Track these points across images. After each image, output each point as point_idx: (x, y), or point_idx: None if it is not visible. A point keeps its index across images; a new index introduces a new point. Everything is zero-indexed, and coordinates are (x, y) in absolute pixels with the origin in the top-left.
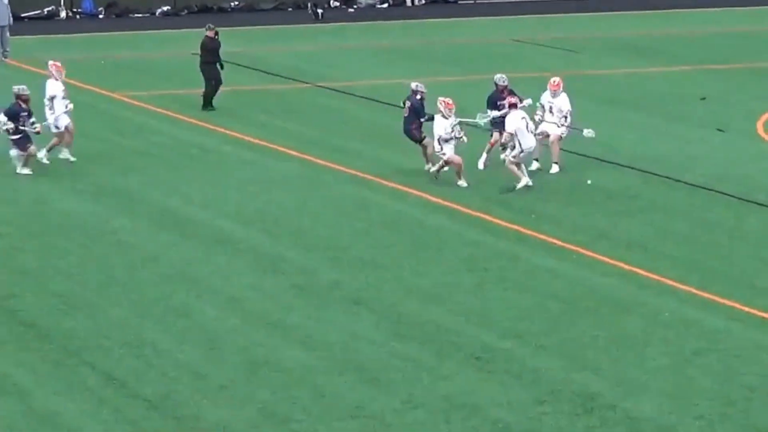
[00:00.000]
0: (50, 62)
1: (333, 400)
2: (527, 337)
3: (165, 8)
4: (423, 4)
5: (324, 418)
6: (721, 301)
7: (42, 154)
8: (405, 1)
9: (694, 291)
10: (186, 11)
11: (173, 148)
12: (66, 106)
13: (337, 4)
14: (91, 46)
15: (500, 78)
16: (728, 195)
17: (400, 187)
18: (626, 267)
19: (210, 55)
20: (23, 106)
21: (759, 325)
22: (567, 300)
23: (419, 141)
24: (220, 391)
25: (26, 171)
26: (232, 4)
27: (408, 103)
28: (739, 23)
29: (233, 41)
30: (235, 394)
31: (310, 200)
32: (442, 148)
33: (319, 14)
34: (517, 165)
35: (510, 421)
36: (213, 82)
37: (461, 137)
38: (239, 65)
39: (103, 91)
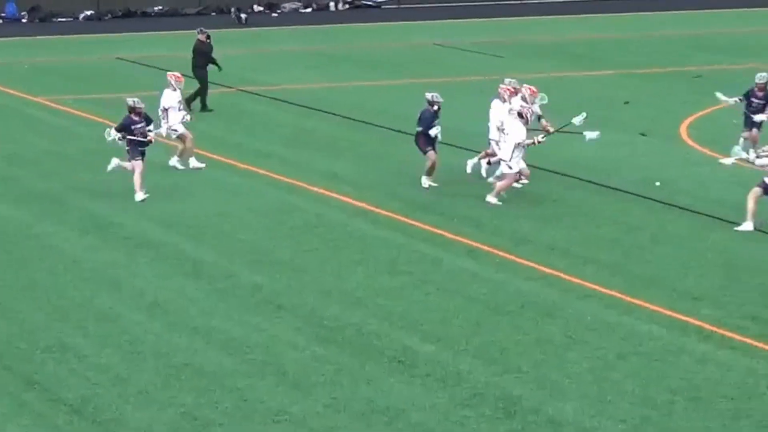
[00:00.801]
0: (169, 73)
1: (255, 404)
2: (449, 340)
3: (88, 12)
4: (346, 9)
5: (246, 422)
6: (644, 304)
7: (174, 161)
8: (328, 6)
9: (617, 295)
10: (109, 15)
11: (96, 153)
12: (183, 117)
13: (261, 8)
14: (13, 50)
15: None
16: (651, 199)
17: (322, 191)
18: (549, 271)
19: (202, 59)
20: (136, 118)
21: (681, 329)
22: (489, 304)
23: (423, 152)
24: (141, 396)
25: (141, 196)
26: (156, 8)
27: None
28: (663, 27)
29: (156, 46)
30: (157, 398)
31: (233, 204)
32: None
33: (243, 19)
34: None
35: (432, 425)
36: (204, 85)
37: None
38: (163, 69)
39: (26, 95)
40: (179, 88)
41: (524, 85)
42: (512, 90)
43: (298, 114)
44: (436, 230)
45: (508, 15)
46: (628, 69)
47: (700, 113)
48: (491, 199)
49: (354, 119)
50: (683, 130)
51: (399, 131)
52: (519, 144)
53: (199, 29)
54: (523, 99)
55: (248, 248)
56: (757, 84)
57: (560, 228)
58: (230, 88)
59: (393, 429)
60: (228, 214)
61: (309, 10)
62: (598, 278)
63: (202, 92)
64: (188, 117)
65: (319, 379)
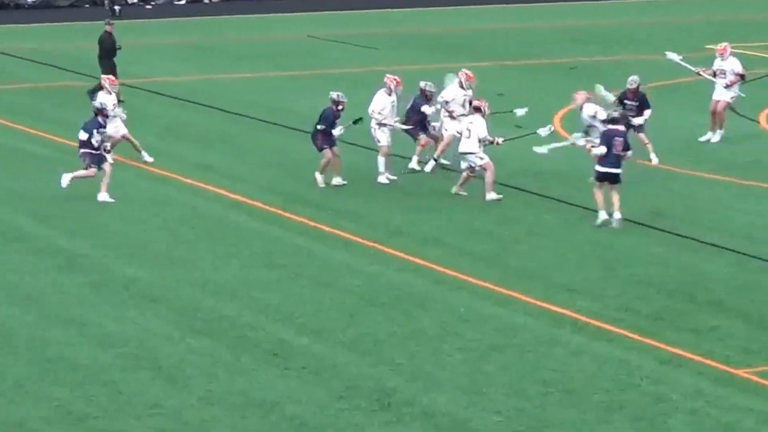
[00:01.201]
0: (103, 77)
1: (130, 397)
2: (324, 333)
3: None
4: (220, 1)
5: (121, 415)
6: (519, 296)
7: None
8: None
9: (491, 286)
10: None
11: None
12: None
13: (135, 1)
14: None
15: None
16: (527, 191)
17: (198, 183)
18: (423, 263)
19: (108, 50)
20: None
21: (555, 321)
22: (363, 295)
23: (319, 149)
24: (15, 389)
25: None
26: (29, 0)
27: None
28: (537, 19)
29: (30, 38)
30: (31, 391)
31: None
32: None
33: (116, 11)
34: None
35: (307, 418)
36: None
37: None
38: (35, 62)
39: None
40: (114, 92)
41: (462, 70)
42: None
43: (172, 106)
44: (310, 223)
45: (383, 6)
46: (504, 60)
47: (572, 105)
48: (491, 195)
49: (228, 111)
50: (557, 121)
51: (273, 123)
52: (482, 139)
53: (106, 20)
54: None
55: (122, 241)
56: (628, 88)
57: (434, 220)
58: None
59: (268, 422)
60: (103, 206)
61: (183, 2)
62: (473, 270)
63: None
64: (123, 115)
65: (194, 372)
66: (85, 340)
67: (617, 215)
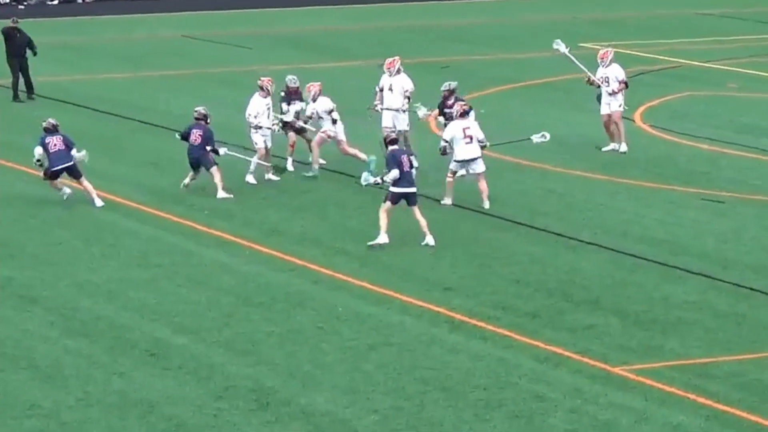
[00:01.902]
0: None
1: (7, 398)
2: (201, 332)
3: None
4: (94, 1)
5: None
6: (395, 295)
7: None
8: None
9: (368, 285)
10: None
11: None
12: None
13: (7, 0)
14: None
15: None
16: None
17: (72, 184)
18: (299, 262)
19: (15, 46)
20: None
21: (432, 319)
22: (240, 295)
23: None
24: None
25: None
26: None
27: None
28: (409, 17)
29: None
30: None
31: None
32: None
33: None
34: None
35: (185, 418)
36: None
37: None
38: None
39: None
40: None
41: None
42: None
43: (47, 107)
44: (186, 222)
45: (257, 6)
46: (374, 59)
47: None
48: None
49: (102, 111)
50: (431, 120)
51: (147, 123)
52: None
53: (12, 18)
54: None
55: None
56: (443, 92)
57: (310, 219)
58: None
59: (146, 422)
60: None
61: (56, 2)
62: (349, 269)
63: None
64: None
65: (72, 372)
66: None
67: (430, 239)
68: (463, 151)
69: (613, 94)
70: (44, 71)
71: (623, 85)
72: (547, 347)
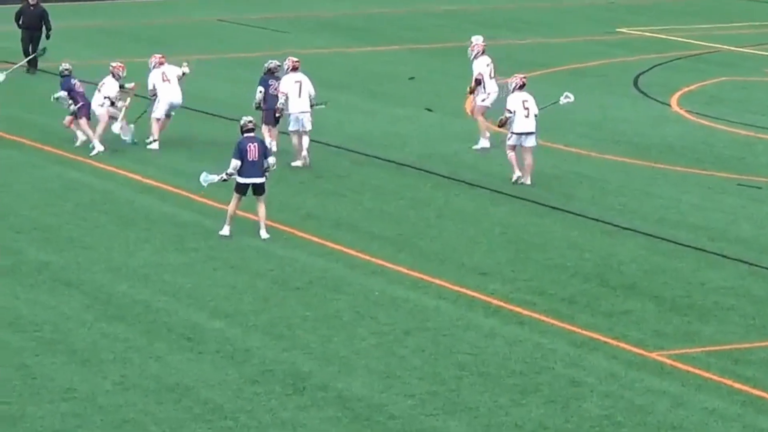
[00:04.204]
0: (113, 64)
1: (44, 381)
2: (238, 316)
3: None
4: None
5: (35, 399)
6: (431, 280)
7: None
8: None
9: (404, 270)
10: None
11: None
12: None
13: None
14: None
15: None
16: (436, 174)
17: (108, 167)
18: (335, 246)
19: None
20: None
21: (468, 304)
22: (276, 279)
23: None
24: None
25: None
26: None
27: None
28: (441, 3)
29: None
30: None
31: (17, 181)
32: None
33: None
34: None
35: (221, 401)
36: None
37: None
38: None
39: None
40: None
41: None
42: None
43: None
44: (223, 206)
45: None
46: (411, 44)
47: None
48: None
49: (138, 95)
50: (468, 104)
51: (184, 108)
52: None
53: None
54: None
55: (33, 225)
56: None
57: (346, 203)
58: (12, 64)
59: (182, 406)
60: (12, 190)
61: None
62: (385, 254)
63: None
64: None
65: (109, 356)
66: None
67: (264, 233)
68: (521, 123)
69: (471, 91)
70: (80, 55)
71: (475, 83)
72: (584, 332)
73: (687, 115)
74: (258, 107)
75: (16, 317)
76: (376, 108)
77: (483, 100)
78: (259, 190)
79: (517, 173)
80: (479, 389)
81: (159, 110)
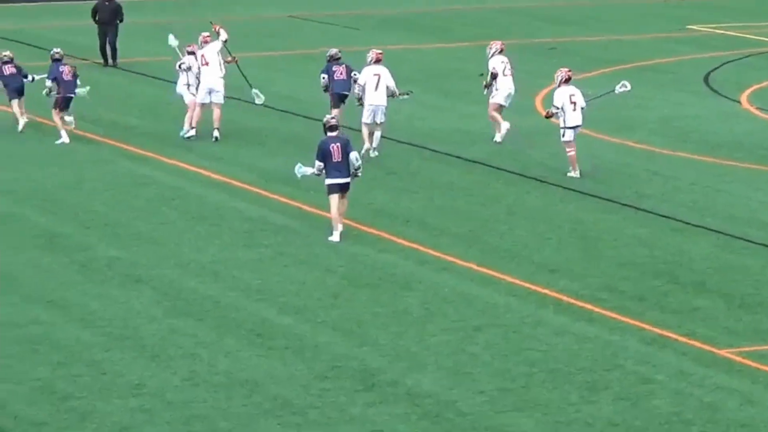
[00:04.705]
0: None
1: (113, 377)
2: (307, 312)
3: None
4: None
5: (104, 394)
6: (502, 276)
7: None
8: None
9: (475, 267)
10: None
11: None
12: None
13: None
14: None
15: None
16: (507, 171)
17: (178, 163)
18: (406, 243)
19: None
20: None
21: (539, 301)
22: (346, 276)
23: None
24: None
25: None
26: None
27: None
28: (514, 1)
29: (12, 18)
30: (14, 371)
31: (88, 177)
32: None
33: None
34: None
35: (290, 397)
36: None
37: None
38: (13, 41)
39: None
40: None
41: None
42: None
43: (151, 86)
44: (292, 202)
45: None
46: (481, 41)
47: (553, 85)
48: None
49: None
50: (538, 102)
51: (250, 103)
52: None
53: None
54: None
55: (104, 221)
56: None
57: (416, 200)
58: (85, 60)
59: (252, 402)
60: (83, 186)
61: None
62: (455, 250)
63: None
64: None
65: (178, 351)
66: (67, 320)
67: (336, 235)
68: (571, 117)
69: (485, 87)
70: (146, 51)
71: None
72: (654, 329)
73: (757, 112)
74: (325, 91)
75: (87, 313)
76: (446, 105)
77: (493, 97)
78: (344, 188)
79: (574, 173)
80: (549, 386)
81: (199, 94)
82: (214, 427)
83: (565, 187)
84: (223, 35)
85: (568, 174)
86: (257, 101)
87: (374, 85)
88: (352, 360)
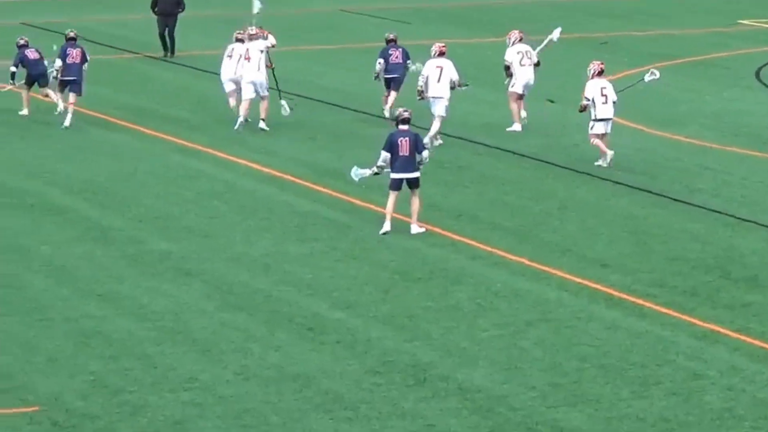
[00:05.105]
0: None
1: (165, 370)
2: (358, 307)
3: None
4: None
5: (156, 388)
6: (553, 271)
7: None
8: None
9: (526, 262)
10: None
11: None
12: None
13: None
14: None
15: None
16: (558, 165)
17: (229, 157)
18: (457, 237)
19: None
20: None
21: (590, 296)
22: (398, 270)
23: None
24: (50, 363)
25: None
26: None
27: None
28: None
29: (61, 11)
30: (66, 365)
31: (139, 170)
32: None
33: None
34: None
35: (342, 392)
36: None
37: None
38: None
39: None
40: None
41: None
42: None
43: (202, 79)
44: (343, 197)
45: None
46: (531, 36)
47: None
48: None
49: None
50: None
51: (303, 97)
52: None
53: None
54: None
55: (155, 214)
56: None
57: (467, 194)
58: (136, 53)
59: (303, 396)
60: (135, 179)
61: None
62: (506, 245)
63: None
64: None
65: (229, 346)
66: (119, 314)
67: (415, 228)
68: (603, 109)
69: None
70: (197, 44)
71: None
72: (705, 325)
73: None
74: (376, 77)
75: (139, 307)
76: (498, 99)
77: (512, 86)
78: (413, 183)
79: (601, 161)
80: (601, 381)
81: (245, 91)
82: (265, 421)
83: (615, 182)
84: (272, 40)
85: (598, 163)
86: (283, 113)
87: (437, 77)
88: (404, 354)
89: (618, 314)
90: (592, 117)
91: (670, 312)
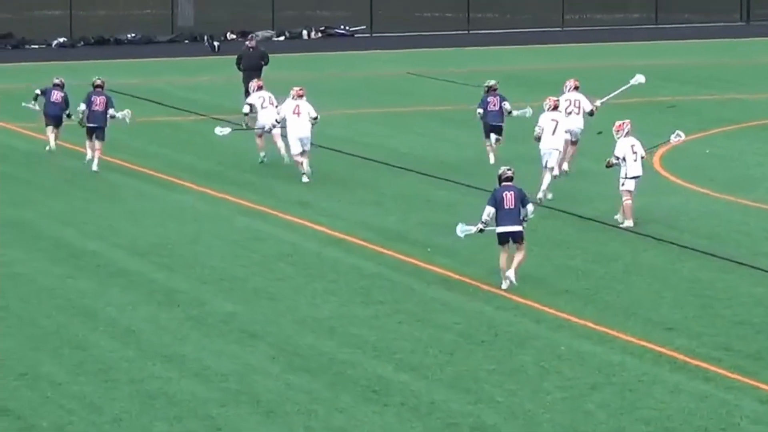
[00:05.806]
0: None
1: (229, 431)
2: (423, 369)
3: (61, 39)
4: (319, 38)
5: None
6: (617, 335)
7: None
8: (301, 34)
9: (591, 325)
10: (82, 43)
11: (67, 180)
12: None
13: (234, 36)
14: None
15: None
16: (622, 229)
17: (295, 219)
18: (522, 300)
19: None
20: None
21: (654, 359)
22: (462, 333)
23: None
24: (115, 424)
25: None
26: (129, 36)
27: None
28: (621, 58)
29: (130, 73)
30: (131, 426)
31: (205, 232)
32: None
33: (216, 47)
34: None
35: None
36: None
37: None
38: (135, 97)
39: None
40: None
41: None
42: None
43: (269, 142)
44: (408, 259)
45: (480, 45)
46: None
47: (672, 144)
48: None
49: (325, 147)
50: (656, 160)
51: (369, 159)
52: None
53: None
54: None
55: (220, 276)
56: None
57: (532, 257)
58: (203, 115)
59: None
60: (200, 241)
61: (282, 38)
62: (571, 308)
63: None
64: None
65: (294, 408)
66: (184, 375)
67: (511, 274)
68: (633, 167)
69: None
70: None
71: None
72: None
73: None
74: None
75: (203, 368)
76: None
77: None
78: (517, 238)
79: (628, 222)
80: None
81: (293, 147)
82: None
83: (681, 245)
84: (314, 113)
85: (620, 222)
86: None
87: (551, 130)
88: (468, 417)
89: (682, 378)
90: (623, 175)
91: (735, 376)
